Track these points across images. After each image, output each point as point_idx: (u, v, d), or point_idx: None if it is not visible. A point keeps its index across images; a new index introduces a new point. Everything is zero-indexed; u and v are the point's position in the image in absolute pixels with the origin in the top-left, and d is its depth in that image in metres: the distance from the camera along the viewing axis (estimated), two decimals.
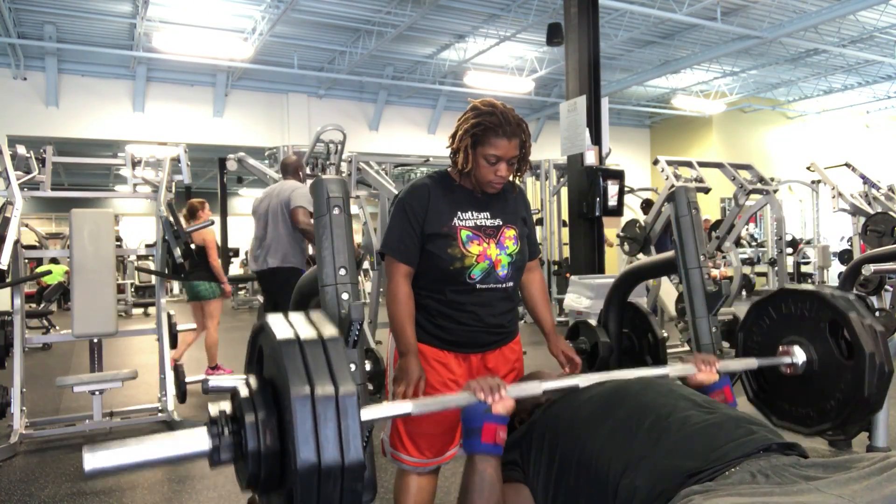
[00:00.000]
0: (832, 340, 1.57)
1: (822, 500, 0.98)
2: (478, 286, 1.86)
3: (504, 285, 1.90)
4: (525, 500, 1.36)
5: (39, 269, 10.09)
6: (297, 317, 1.03)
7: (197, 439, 0.99)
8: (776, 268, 9.36)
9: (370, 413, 1.10)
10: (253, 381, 1.03)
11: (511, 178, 1.92)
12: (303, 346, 0.95)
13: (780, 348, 1.65)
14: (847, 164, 7.55)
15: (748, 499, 1.02)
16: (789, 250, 10.41)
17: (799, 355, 1.61)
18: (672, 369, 1.59)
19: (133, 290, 11.94)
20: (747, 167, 6.54)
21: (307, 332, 0.98)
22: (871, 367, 1.48)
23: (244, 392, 1.02)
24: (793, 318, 1.66)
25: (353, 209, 5.33)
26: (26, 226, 10.70)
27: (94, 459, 0.91)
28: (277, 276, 4.22)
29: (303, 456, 0.89)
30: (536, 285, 2.13)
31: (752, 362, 1.65)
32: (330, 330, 1.00)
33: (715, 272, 7.36)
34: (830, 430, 1.61)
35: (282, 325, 0.99)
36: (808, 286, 1.66)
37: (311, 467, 0.89)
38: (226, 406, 1.03)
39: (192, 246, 4.44)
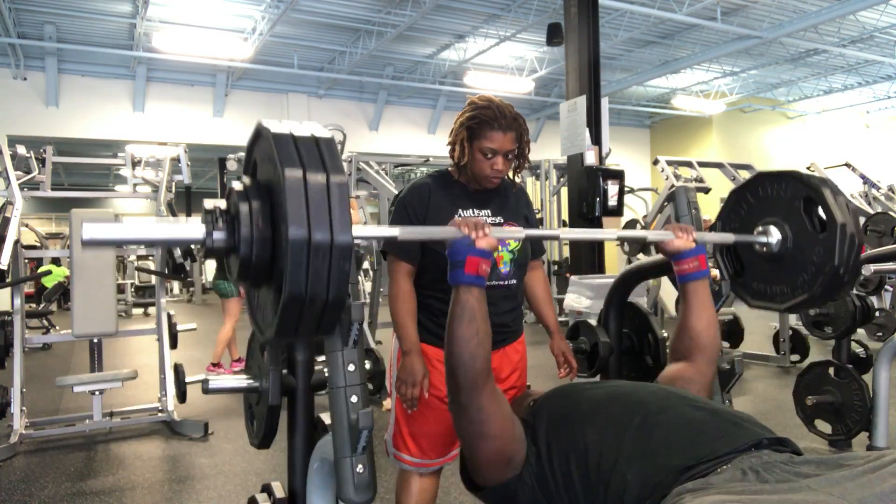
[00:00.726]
0: (806, 217, 1.59)
1: (814, 499, 0.98)
2: None
3: (506, 283, 1.90)
4: (519, 425, 1.40)
5: (40, 270, 10.10)
6: (291, 122, 1.07)
7: (193, 227, 1.02)
8: None
9: (359, 231, 1.13)
10: (247, 179, 1.07)
11: (511, 175, 1.92)
12: (296, 140, 1.00)
13: (757, 230, 1.67)
14: (847, 164, 7.55)
15: (738, 496, 1.02)
16: None
17: (774, 234, 1.64)
18: (651, 233, 1.67)
19: (133, 290, 11.93)
20: (747, 167, 6.54)
21: (301, 131, 1.02)
22: (842, 237, 1.50)
23: (238, 187, 1.05)
24: (769, 200, 1.68)
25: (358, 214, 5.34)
26: (26, 226, 10.70)
27: (93, 230, 0.94)
28: None
29: (293, 231, 0.92)
30: (540, 284, 2.13)
31: (728, 237, 1.68)
32: (323, 132, 1.04)
33: (715, 272, 7.35)
34: (803, 304, 1.62)
35: (277, 125, 1.03)
36: (785, 170, 1.67)
37: (301, 241, 0.92)
38: (221, 203, 1.06)
39: None
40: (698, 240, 1.62)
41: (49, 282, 9.50)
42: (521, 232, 1.46)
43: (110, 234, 0.96)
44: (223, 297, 5.70)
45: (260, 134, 1.07)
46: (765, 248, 1.65)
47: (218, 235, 1.02)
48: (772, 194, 1.68)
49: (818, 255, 1.55)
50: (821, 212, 1.56)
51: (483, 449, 1.37)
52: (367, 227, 1.26)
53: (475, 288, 1.36)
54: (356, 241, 1.11)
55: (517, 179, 2.01)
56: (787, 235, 1.62)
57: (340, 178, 0.98)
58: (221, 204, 1.06)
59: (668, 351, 1.72)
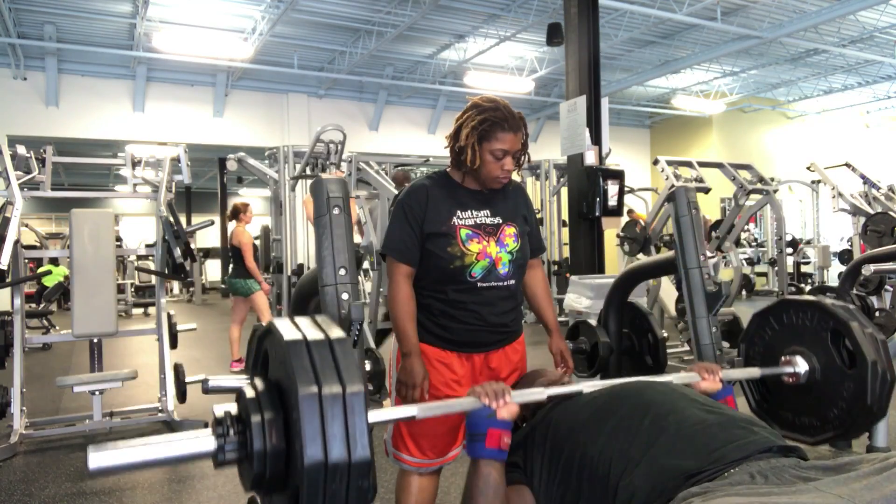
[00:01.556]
0: (834, 350, 1.58)
1: (822, 500, 0.98)
2: (479, 284, 1.86)
3: (505, 283, 1.90)
4: (527, 502, 1.36)
5: (40, 270, 10.09)
6: (303, 320, 1.04)
7: (202, 440, 0.99)
8: (776, 268, 9.36)
9: (376, 416, 1.10)
10: (259, 382, 1.04)
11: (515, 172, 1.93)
12: (310, 347, 0.96)
13: (783, 358, 1.66)
14: (847, 164, 7.55)
15: (745, 499, 1.02)
16: (789, 250, 10.42)
17: (801, 365, 1.62)
18: (676, 377, 1.60)
19: (133, 290, 11.93)
20: (747, 167, 6.54)
21: (314, 334, 0.99)
22: (873, 376, 1.49)
23: (250, 393, 1.02)
24: (794, 327, 1.67)
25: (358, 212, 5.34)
26: (26, 226, 10.70)
27: (99, 458, 0.92)
28: None
29: (310, 453, 0.89)
30: (539, 283, 2.13)
31: (754, 372, 1.66)
32: (337, 332, 1.01)
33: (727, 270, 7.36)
34: (834, 439, 1.61)
35: (288, 328, 1.00)
36: (808, 297, 1.66)
37: (317, 464, 0.89)
38: (231, 407, 1.03)
39: (228, 246, 4.61)
40: (724, 379, 1.57)
41: (49, 281, 9.49)
42: (543, 393, 1.40)
43: (118, 461, 0.93)
44: (239, 295, 5.86)
45: (271, 333, 1.03)
46: (792, 379, 1.63)
47: (230, 449, 0.99)
48: (797, 322, 1.66)
49: (849, 392, 1.53)
50: (849, 344, 1.54)
51: None
52: (386, 411, 1.20)
53: (497, 462, 1.30)
54: (373, 425, 1.08)
55: (517, 178, 2.01)
56: (815, 367, 1.60)
57: (356, 389, 0.94)
58: (232, 409, 1.02)
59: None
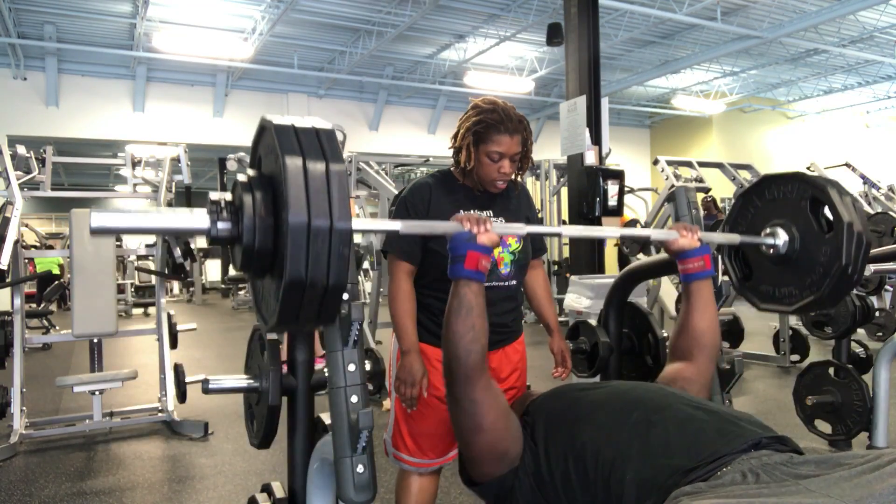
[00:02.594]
0: (813, 217, 1.58)
1: (811, 501, 0.97)
2: None
3: (507, 283, 1.90)
4: (515, 420, 1.41)
5: (39, 268, 10.11)
6: (294, 117, 1.09)
7: (197, 216, 1.04)
8: None
9: (359, 224, 1.14)
10: (251, 171, 1.10)
11: (513, 176, 1.92)
12: (297, 131, 1.02)
13: (764, 232, 1.67)
14: (847, 164, 7.55)
15: (735, 500, 1.02)
16: None
17: (781, 235, 1.63)
18: (655, 232, 1.67)
19: (133, 290, 11.93)
20: (747, 167, 6.53)
21: (303, 123, 1.05)
22: (849, 236, 1.49)
23: (242, 179, 1.07)
24: (776, 202, 1.68)
25: (355, 209, 5.34)
26: (26, 226, 10.70)
27: (100, 218, 0.96)
28: None
29: (294, 216, 0.94)
30: (540, 283, 2.13)
31: (734, 237, 1.67)
32: (324, 124, 1.07)
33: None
34: (812, 305, 1.62)
35: (280, 119, 1.06)
36: (790, 171, 1.67)
37: (301, 225, 0.95)
38: (226, 195, 1.09)
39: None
40: (703, 239, 1.62)
41: (42, 266, 9.54)
42: (523, 228, 1.46)
43: (118, 223, 0.99)
44: None
45: (264, 128, 1.09)
46: (772, 250, 1.64)
47: (222, 225, 1.04)
48: (778, 196, 1.67)
49: (825, 255, 1.54)
50: (827, 212, 1.55)
51: (477, 442, 1.38)
52: (368, 220, 1.28)
53: (474, 283, 1.36)
54: (356, 232, 1.12)
55: (519, 180, 2.01)
56: (795, 236, 1.61)
57: (339, 167, 1.01)
58: (226, 196, 1.08)
59: (668, 348, 1.71)
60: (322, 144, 1.02)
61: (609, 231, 1.69)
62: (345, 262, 0.99)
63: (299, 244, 0.95)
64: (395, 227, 1.28)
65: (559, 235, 1.53)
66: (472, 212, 1.88)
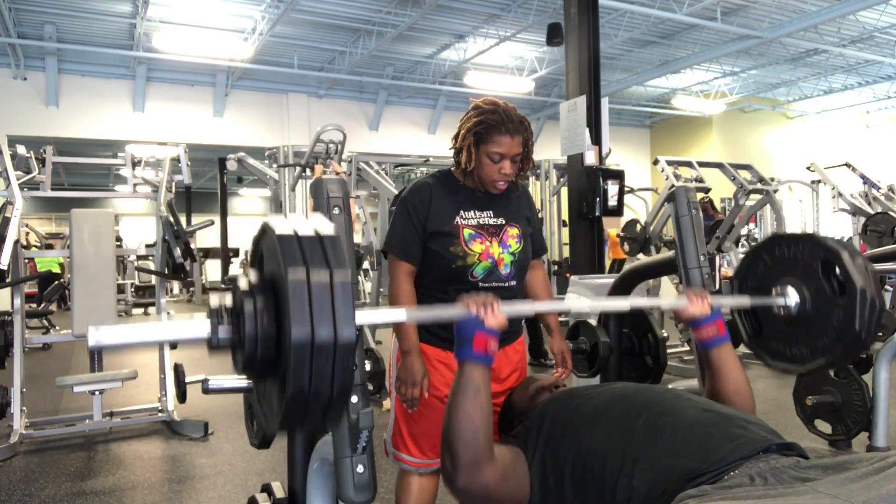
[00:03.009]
0: (824, 280, 1.58)
1: (818, 502, 0.97)
2: (480, 285, 1.86)
3: (507, 284, 1.90)
4: (520, 466, 1.37)
5: (39, 267, 10.12)
6: (297, 219, 1.08)
7: (197, 324, 1.03)
8: None
9: (364, 316, 1.13)
10: (253, 275, 1.09)
11: (515, 177, 1.92)
12: (300, 240, 1.01)
13: (774, 290, 1.67)
14: (847, 164, 7.55)
15: (742, 501, 1.01)
16: None
17: (792, 295, 1.63)
18: (664, 302, 1.65)
19: (133, 290, 11.93)
20: (747, 167, 6.54)
21: (305, 230, 1.04)
22: (862, 302, 1.49)
23: (243, 284, 1.06)
24: (786, 261, 1.68)
25: (355, 209, 5.34)
26: (26, 226, 10.70)
27: (99, 334, 0.94)
28: None
29: (296, 331, 0.93)
30: (540, 283, 2.12)
31: (744, 300, 1.67)
32: (327, 229, 1.05)
33: (727, 270, 7.36)
34: (823, 367, 1.62)
35: (281, 224, 1.05)
36: (800, 232, 1.67)
37: (304, 342, 0.93)
38: (227, 299, 1.08)
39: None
40: (714, 305, 1.58)
41: (43, 266, 9.55)
42: (532, 309, 1.42)
43: (117, 339, 0.96)
44: None
45: (265, 232, 1.08)
46: (783, 310, 1.63)
47: (223, 333, 1.03)
48: (789, 255, 1.66)
49: (838, 320, 1.53)
50: (839, 273, 1.54)
51: None
52: (373, 312, 1.23)
53: (482, 365, 1.32)
54: (363, 326, 1.10)
55: (521, 181, 2.01)
56: (806, 297, 1.60)
57: (344, 275, 0.98)
58: (227, 300, 1.07)
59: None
60: (326, 252, 1.00)
61: (618, 303, 1.66)
62: (349, 372, 0.98)
63: (302, 359, 0.94)
64: (401, 318, 1.24)
65: (569, 311, 1.50)
66: (471, 216, 1.88)
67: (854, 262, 1.53)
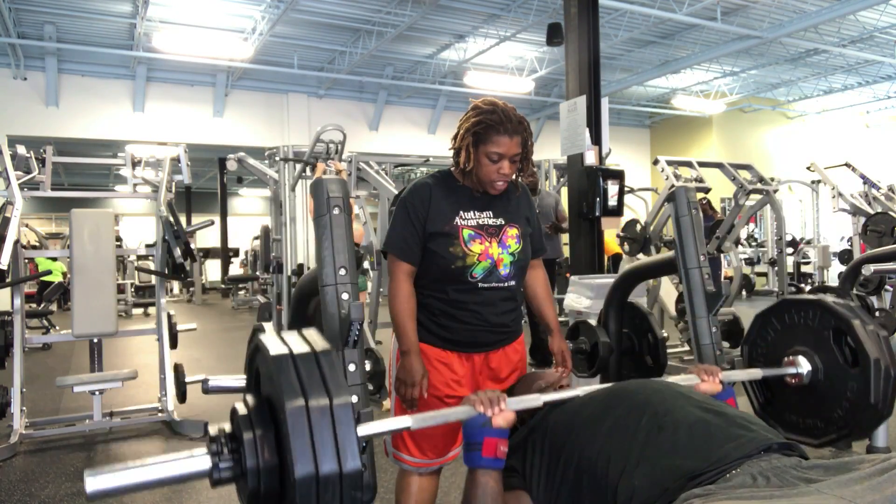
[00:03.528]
0: (836, 349, 1.56)
1: (824, 502, 0.97)
2: (480, 285, 1.86)
3: (506, 284, 1.90)
4: None
5: (41, 269, 10.10)
6: (290, 335, 1.05)
7: (197, 459, 1.00)
8: (776, 268, 9.36)
9: (368, 429, 1.10)
10: (251, 399, 1.05)
11: (514, 178, 1.92)
12: (296, 361, 0.97)
13: (785, 359, 1.65)
14: (847, 164, 7.55)
15: (747, 501, 1.01)
16: (789, 250, 10.41)
17: (804, 365, 1.61)
18: (675, 380, 1.59)
19: (133, 290, 11.93)
20: (747, 167, 6.53)
21: (300, 348, 1.00)
22: (876, 374, 1.47)
23: (242, 410, 1.03)
24: (796, 327, 1.65)
25: (355, 209, 5.33)
26: (26, 226, 10.70)
27: (96, 482, 0.92)
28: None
29: (300, 467, 0.90)
30: (540, 283, 2.13)
31: (756, 373, 1.64)
32: (322, 344, 1.02)
33: (729, 270, 7.35)
34: (839, 440, 1.60)
35: (276, 343, 1.01)
36: (810, 296, 1.65)
37: (309, 478, 0.90)
38: (226, 425, 1.05)
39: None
40: (725, 380, 1.55)
41: (49, 278, 9.51)
42: (539, 399, 1.40)
43: (116, 484, 0.94)
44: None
45: (258, 349, 1.05)
46: (795, 380, 1.62)
47: (224, 466, 1.00)
48: (799, 322, 1.65)
49: (852, 391, 1.51)
50: (851, 342, 1.53)
51: None
52: (379, 423, 1.18)
53: (494, 471, 1.30)
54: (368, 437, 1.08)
55: (521, 181, 2.01)
56: (818, 367, 1.59)
57: (343, 400, 0.95)
58: (226, 427, 1.04)
59: None
60: (323, 374, 0.97)
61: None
62: (357, 503, 0.95)
63: (308, 497, 0.91)
64: (406, 425, 1.21)
65: (577, 396, 1.46)
66: (471, 216, 1.88)
67: (866, 330, 1.51)
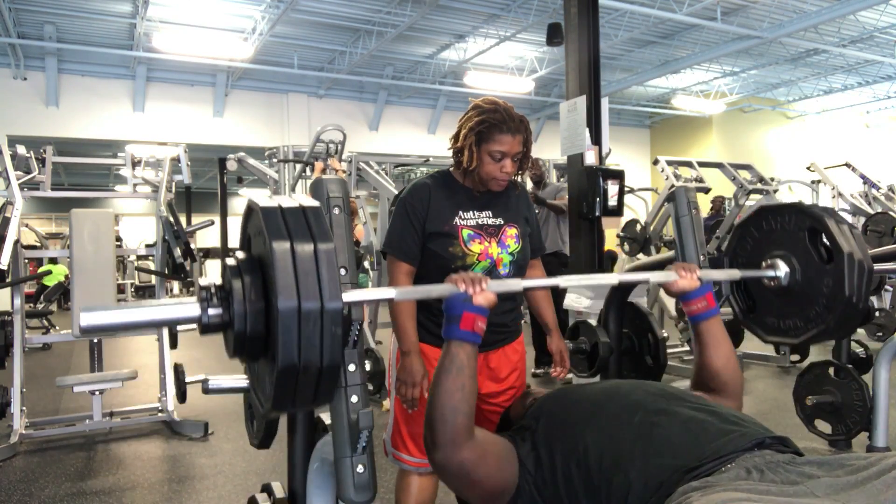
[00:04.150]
0: (812, 248, 1.58)
1: None
2: None
3: None
4: (506, 454, 1.37)
5: (40, 270, 10.10)
6: (281, 197, 1.09)
7: (187, 306, 1.04)
8: None
9: (351, 296, 1.13)
10: (240, 254, 1.10)
11: (515, 175, 1.93)
12: (284, 212, 1.02)
13: (764, 264, 1.67)
14: (847, 164, 7.55)
15: (746, 494, 1.02)
16: None
17: (781, 267, 1.63)
18: (654, 275, 1.61)
19: (133, 290, 11.94)
20: (747, 167, 6.54)
21: (289, 203, 1.05)
22: (850, 267, 1.49)
23: (231, 262, 1.07)
24: (774, 233, 1.68)
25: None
26: (26, 226, 10.69)
27: (90, 317, 0.96)
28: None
29: (283, 301, 0.94)
30: None
31: (735, 273, 1.66)
32: (310, 202, 1.07)
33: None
34: (818, 336, 1.61)
35: (266, 200, 1.06)
36: (786, 202, 1.67)
37: (291, 310, 0.95)
38: (216, 280, 1.09)
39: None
40: (703, 277, 1.58)
41: (49, 281, 9.50)
42: (519, 284, 1.44)
43: (109, 320, 0.97)
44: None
45: (251, 210, 1.09)
46: (773, 283, 1.63)
47: (213, 312, 1.04)
48: (776, 227, 1.67)
49: (828, 287, 1.53)
50: (826, 241, 1.54)
51: (472, 495, 1.36)
52: (361, 292, 1.23)
53: (468, 344, 1.34)
54: (350, 305, 1.11)
55: (519, 180, 2.01)
56: (795, 268, 1.60)
57: (328, 246, 1.00)
58: (216, 281, 1.08)
59: (691, 384, 1.68)
60: (309, 224, 1.02)
61: (608, 278, 1.66)
62: (338, 341, 0.99)
63: (290, 328, 0.95)
64: (390, 296, 1.26)
65: (557, 287, 1.50)
66: (470, 216, 1.88)
67: (840, 227, 1.53)
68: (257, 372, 1.13)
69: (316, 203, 1.07)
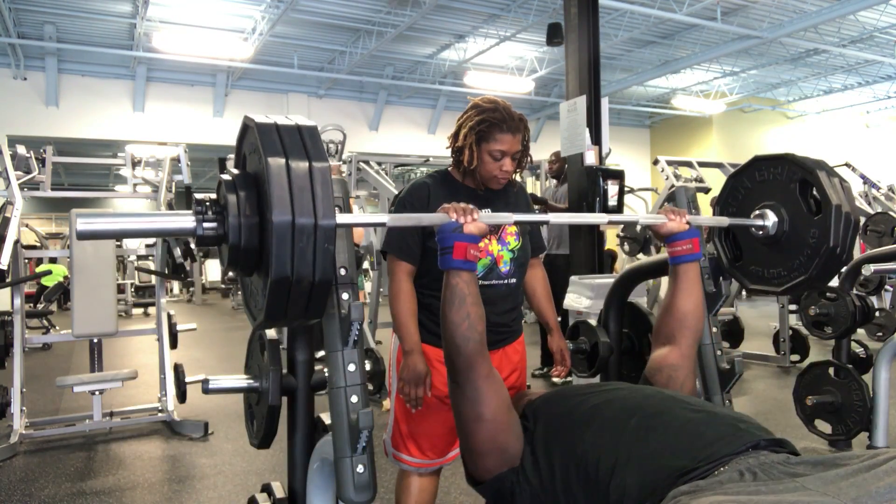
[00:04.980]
0: (802, 200, 1.59)
1: (808, 499, 0.97)
2: (480, 283, 1.86)
3: (506, 282, 1.90)
4: (517, 427, 1.40)
5: (40, 269, 10.09)
6: (277, 116, 1.10)
7: (183, 218, 1.05)
8: None
9: (345, 218, 1.14)
10: (234, 170, 1.11)
11: (513, 173, 1.93)
12: (280, 129, 1.03)
13: (753, 213, 1.67)
14: (847, 164, 7.55)
15: (734, 497, 1.02)
16: None
17: (770, 217, 1.64)
18: (643, 217, 1.64)
19: (133, 290, 11.93)
20: None
21: (285, 122, 1.06)
22: (837, 218, 1.50)
23: (226, 178, 1.08)
24: (766, 184, 1.69)
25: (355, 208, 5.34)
26: (26, 226, 10.69)
27: (86, 223, 0.97)
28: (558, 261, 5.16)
29: (278, 214, 0.95)
30: (539, 281, 2.13)
31: (723, 220, 1.68)
32: (306, 121, 1.08)
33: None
34: (800, 286, 1.62)
35: (263, 118, 1.07)
36: (779, 153, 1.68)
37: (285, 223, 0.96)
38: (212, 195, 1.10)
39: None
40: (692, 223, 1.61)
41: (49, 281, 9.49)
42: (510, 217, 1.46)
43: (104, 227, 0.99)
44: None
45: (247, 127, 1.10)
46: (761, 232, 1.65)
47: (208, 225, 1.05)
48: (768, 178, 1.69)
49: (814, 237, 1.55)
50: (816, 193, 1.56)
51: (478, 431, 1.38)
52: (353, 215, 1.27)
53: (464, 272, 1.37)
54: (341, 227, 1.13)
55: (518, 178, 2.01)
56: (784, 218, 1.62)
57: (322, 164, 1.01)
58: (211, 195, 1.09)
59: (652, 333, 1.71)
60: (305, 142, 1.02)
61: (596, 218, 1.68)
62: (330, 257, 1.00)
63: (284, 242, 0.96)
64: (382, 221, 1.29)
65: (548, 223, 1.53)
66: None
67: (830, 180, 1.54)
68: (250, 286, 1.14)
69: (312, 123, 1.08)
